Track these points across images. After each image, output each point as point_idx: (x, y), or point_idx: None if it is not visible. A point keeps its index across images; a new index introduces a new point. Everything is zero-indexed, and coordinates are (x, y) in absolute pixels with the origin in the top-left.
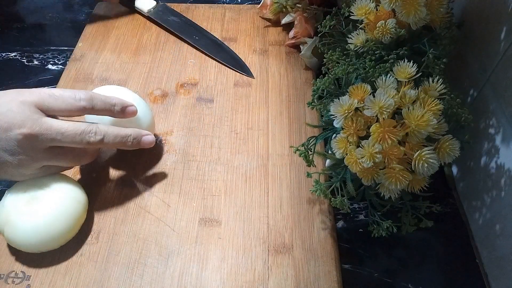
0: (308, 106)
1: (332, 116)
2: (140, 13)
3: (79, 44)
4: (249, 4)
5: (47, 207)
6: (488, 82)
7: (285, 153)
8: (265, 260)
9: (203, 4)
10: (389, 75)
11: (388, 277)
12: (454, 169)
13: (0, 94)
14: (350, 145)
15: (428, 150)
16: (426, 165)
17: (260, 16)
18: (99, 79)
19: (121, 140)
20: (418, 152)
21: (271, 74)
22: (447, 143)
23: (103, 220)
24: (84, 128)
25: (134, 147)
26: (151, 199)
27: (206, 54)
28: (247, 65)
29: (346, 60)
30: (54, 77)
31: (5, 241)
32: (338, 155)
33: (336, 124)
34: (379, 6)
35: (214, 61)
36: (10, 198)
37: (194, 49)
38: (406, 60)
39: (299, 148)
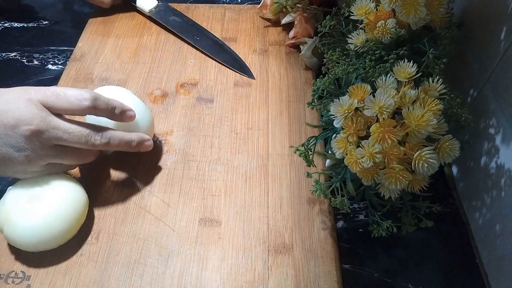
0: (308, 106)
1: (332, 116)
2: (141, 13)
3: (79, 44)
4: (249, 4)
5: (47, 207)
6: (488, 82)
7: (285, 153)
8: (265, 260)
9: (203, 4)
10: (389, 75)
11: (388, 277)
12: (454, 169)
13: (6, 91)
14: (350, 145)
15: (428, 150)
16: (426, 165)
17: (260, 16)
18: (99, 79)
19: (125, 144)
20: (418, 152)
21: (271, 74)
22: (447, 143)
23: (103, 220)
24: (90, 130)
25: (134, 151)
26: (151, 199)
27: (206, 55)
28: (248, 66)
29: (346, 60)
30: (54, 77)
31: (5, 241)
32: (338, 155)
33: (336, 124)
34: (379, 6)
35: (214, 61)
36: (11, 196)
37: (194, 49)
38: (406, 60)
39: (299, 148)
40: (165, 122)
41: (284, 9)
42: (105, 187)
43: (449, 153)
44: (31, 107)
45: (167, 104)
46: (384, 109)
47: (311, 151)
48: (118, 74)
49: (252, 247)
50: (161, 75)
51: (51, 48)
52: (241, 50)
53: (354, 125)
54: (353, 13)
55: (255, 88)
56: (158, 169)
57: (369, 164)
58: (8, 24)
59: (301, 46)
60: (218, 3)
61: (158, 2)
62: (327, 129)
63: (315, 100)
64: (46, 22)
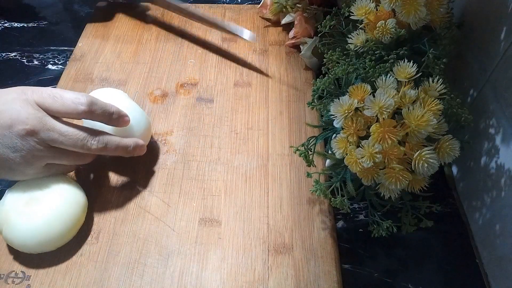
0: (308, 106)
1: (332, 116)
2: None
3: (79, 44)
4: (249, 4)
5: (46, 209)
6: (488, 82)
7: (285, 153)
8: (265, 260)
9: (203, 4)
10: (389, 75)
11: (388, 277)
12: (454, 169)
13: (4, 92)
14: (350, 145)
15: (428, 150)
16: (426, 165)
17: (260, 16)
18: (99, 79)
19: (121, 149)
20: (418, 152)
21: (271, 74)
22: (447, 143)
23: (103, 220)
24: (87, 134)
25: (129, 155)
26: (151, 199)
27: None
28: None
29: (346, 60)
30: (54, 77)
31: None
32: (338, 155)
33: (336, 124)
34: (379, 6)
35: (214, 61)
36: (10, 198)
37: (194, 49)
38: (406, 60)
39: (299, 148)
40: (165, 122)
41: (284, 9)
42: (105, 187)
43: (449, 153)
44: (27, 107)
45: (167, 104)
46: (384, 109)
47: (311, 151)
48: (118, 74)
49: (252, 247)
50: (161, 75)
51: (51, 48)
52: (241, 50)
53: (354, 125)
54: (353, 13)
55: (255, 88)
56: (158, 169)
57: (369, 164)
58: (8, 24)
59: (301, 46)
60: (218, 3)
61: None
62: (327, 129)
63: (315, 100)
64: (46, 22)
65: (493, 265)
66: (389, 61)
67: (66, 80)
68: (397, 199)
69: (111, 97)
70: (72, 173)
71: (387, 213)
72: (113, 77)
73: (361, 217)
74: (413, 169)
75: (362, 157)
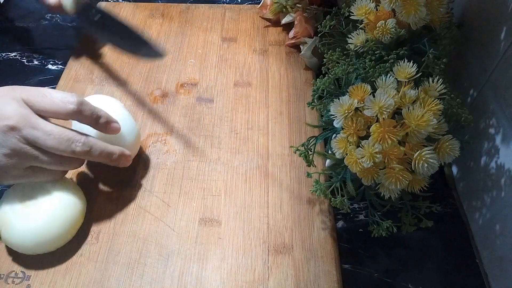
0: (308, 106)
1: (332, 116)
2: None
3: (79, 44)
4: (249, 4)
5: (44, 210)
6: (488, 82)
7: (285, 153)
8: (265, 260)
9: (203, 4)
10: (389, 75)
11: (388, 277)
12: (454, 169)
13: None
14: (350, 145)
15: (428, 150)
16: (426, 165)
17: (260, 16)
18: (99, 79)
19: (106, 155)
20: (418, 152)
21: (271, 74)
22: (447, 143)
23: (103, 220)
24: (72, 135)
25: (112, 164)
26: (151, 199)
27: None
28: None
29: (346, 60)
30: (54, 77)
31: None
32: (338, 155)
33: (336, 124)
34: (379, 6)
35: (214, 61)
36: (8, 198)
37: (194, 49)
38: (406, 60)
39: (299, 148)
40: (165, 122)
41: (284, 9)
42: (105, 187)
43: (449, 153)
44: (13, 103)
45: (167, 104)
46: (384, 109)
47: (311, 151)
48: (118, 74)
49: (252, 247)
50: (161, 75)
51: (51, 48)
52: (241, 50)
53: (354, 125)
54: (353, 13)
55: (255, 88)
56: (158, 169)
57: (369, 164)
58: (8, 24)
59: (301, 46)
60: (218, 3)
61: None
62: (327, 129)
63: (315, 100)
64: (46, 22)
65: (493, 265)
66: (389, 61)
67: (66, 80)
68: (397, 199)
69: (104, 104)
70: (72, 172)
71: (387, 213)
72: (113, 77)
73: (361, 217)
74: (413, 169)
75: (362, 157)
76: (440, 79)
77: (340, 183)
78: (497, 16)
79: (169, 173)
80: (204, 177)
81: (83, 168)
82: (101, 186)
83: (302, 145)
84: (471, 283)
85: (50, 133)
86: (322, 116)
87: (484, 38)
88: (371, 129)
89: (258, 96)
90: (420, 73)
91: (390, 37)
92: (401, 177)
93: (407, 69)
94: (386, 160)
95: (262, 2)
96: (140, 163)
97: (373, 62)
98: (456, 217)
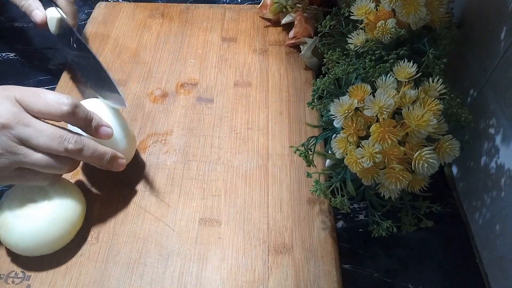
0: (308, 106)
1: (332, 116)
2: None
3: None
4: (249, 4)
5: (43, 212)
6: (488, 82)
7: (285, 153)
8: (265, 260)
9: (203, 4)
10: (389, 75)
11: (388, 277)
12: (454, 169)
13: None
14: (350, 145)
15: (428, 150)
16: (426, 165)
17: (260, 16)
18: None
19: (98, 156)
20: (418, 152)
21: (271, 74)
22: (447, 143)
23: (103, 220)
24: (64, 133)
25: (105, 167)
26: (151, 199)
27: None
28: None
29: (346, 60)
30: (54, 77)
31: None
32: (338, 155)
33: (336, 124)
34: (379, 6)
35: (214, 61)
36: (8, 200)
37: (194, 49)
38: (406, 60)
39: (299, 148)
40: (165, 122)
41: (284, 9)
42: (105, 187)
43: (449, 153)
44: (5, 102)
45: (167, 104)
46: (384, 109)
47: (311, 151)
48: (118, 74)
49: (252, 247)
50: (161, 75)
51: (51, 48)
52: (241, 50)
53: (354, 125)
54: (353, 13)
55: (255, 88)
56: (158, 169)
57: (369, 164)
58: (8, 24)
59: (301, 46)
60: (218, 3)
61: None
62: (327, 129)
63: (315, 100)
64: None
65: (493, 265)
66: (389, 61)
67: (66, 80)
68: (397, 199)
69: (100, 108)
70: (72, 173)
71: (387, 213)
72: (113, 77)
73: (361, 217)
74: (413, 169)
75: (362, 157)
76: (440, 79)
77: (340, 183)
78: (497, 16)
79: (169, 173)
80: (204, 177)
81: (83, 168)
82: (101, 186)
83: (302, 145)
84: (471, 283)
85: (42, 130)
86: (322, 116)
87: (484, 38)
88: (371, 129)
89: (258, 96)
90: (420, 73)
91: (390, 37)
92: (401, 177)
93: (407, 69)
94: (386, 160)
95: (262, 2)
96: (140, 163)
97: (373, 62)
98: (456, 217)
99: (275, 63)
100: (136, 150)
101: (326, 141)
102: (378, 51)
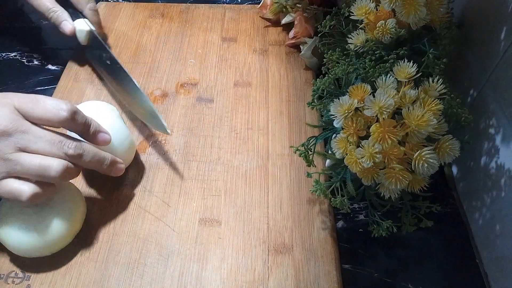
0: (308, 106)
1: (332, 116)
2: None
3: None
4: (249, 4)
5: (43, 213)
6: (488, 82)
7: (285, 153)
8: (265, 260)
9: (203, 4)
10: (389, 75)
11: (388, 277)
12: (454, 169)
13: None
14: (350, 145)
15: (428, 150)
16: (426, 165)
17: (260, 16)
18: (99, 79)
19: (97, 161)
20: (418, 152)
21: (271, 74)
22: (447, 143)
23: (103, 220)
24: (64, 139)
25: (104, 171)
26: (151, 199)
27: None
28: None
29: (346, 60)
30: (54, 77)
31: None
32: (338, 155)
33: (336, 124)
34: (379, 6)
35: (214, 61)
36: (7, 201)
37: (194, 49)
38: (406, 60)
39: (299, 148)
40: (165, 122)
41: (284, 9)
42: (105, 187)
43: (449, 153)
44: (5, 109)
45: (167, 104)
46: (384, 109)
47: (311, 151)
48: None
49: (252, 247)
50: (161, 75)
51: (51, 48)
52: (241, 50)
53: (354, 125)
54: (353, 13)
55: (255, 88)
56: (158, 169)
57: (369, 164)
58: (8, 24)
59: (301, 46)
60: (218, 3)
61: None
62: (327, 129)
63: (315, 100)
64: (46, 22)
65: (493, 265)
66: (389, 61)
67: (66, 80)
68: (397, 199)
69: (98, 111)
70: None
71: (387, 213)
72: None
73: (361, 217)
74: (413, 169)
75: (362, 157)
76: (440, 79)
77: (340, 183)
78: (497, 16)
79: (169, 173)
80: (204, 177)
81: (82, 169)
82: (101, 187)
83: (302, 145)
84: (471, 283)
85: (42, 135)
86: (322, 116)
87: (484, 38)
88: (371, 129)
89: (258, 96)
90: (420, 73)
91: (390, 37)
92: (401, 177)
93: (407, 69)
94: (386, 160)
95: (262, 2)
96: (140, 163)
97: (373, 62)
98: (456, 217)
99: (275, 63)
100: (136, 150)
101: (326, 141)
102: (378, 51)
